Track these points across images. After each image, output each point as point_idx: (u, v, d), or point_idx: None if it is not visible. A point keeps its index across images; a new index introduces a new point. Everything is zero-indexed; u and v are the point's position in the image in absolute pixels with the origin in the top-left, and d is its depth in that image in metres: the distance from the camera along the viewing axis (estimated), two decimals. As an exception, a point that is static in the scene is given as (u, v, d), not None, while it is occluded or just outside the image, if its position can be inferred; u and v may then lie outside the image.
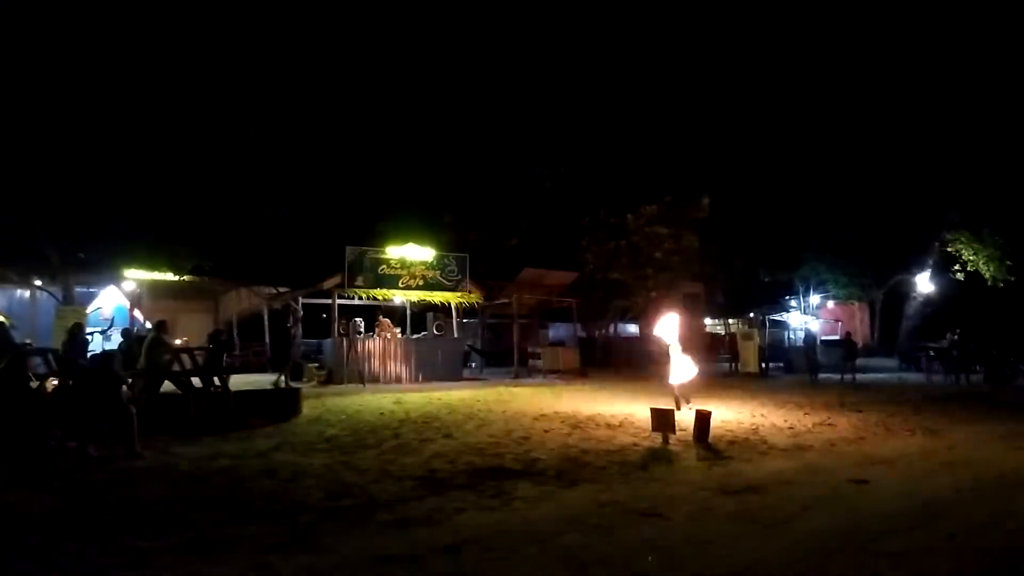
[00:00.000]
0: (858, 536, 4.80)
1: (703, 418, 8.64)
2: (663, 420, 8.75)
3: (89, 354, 11.92)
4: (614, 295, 26.06)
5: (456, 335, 19.98)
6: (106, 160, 13.03)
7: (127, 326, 16.71)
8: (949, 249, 31.01)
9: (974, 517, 5.38)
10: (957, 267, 30.87)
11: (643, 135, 24.82)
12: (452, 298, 19.27)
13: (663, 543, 4.65)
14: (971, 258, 30.28)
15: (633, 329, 30.81)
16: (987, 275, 30.10)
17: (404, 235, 18.90)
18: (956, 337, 19.87)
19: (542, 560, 4.32)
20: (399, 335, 18.40)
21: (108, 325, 16.52)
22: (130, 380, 11.05)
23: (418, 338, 19.31)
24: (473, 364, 22.86)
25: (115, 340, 14.88)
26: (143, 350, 11.75)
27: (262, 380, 15.75)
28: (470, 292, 19.46)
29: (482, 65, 27.88)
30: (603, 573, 4.09)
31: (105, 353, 9.92)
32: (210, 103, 14.22)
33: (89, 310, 17.65)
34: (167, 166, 13.77)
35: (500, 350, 24.57)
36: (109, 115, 12.93)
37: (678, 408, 11.32)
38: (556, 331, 27.30)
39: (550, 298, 22.32)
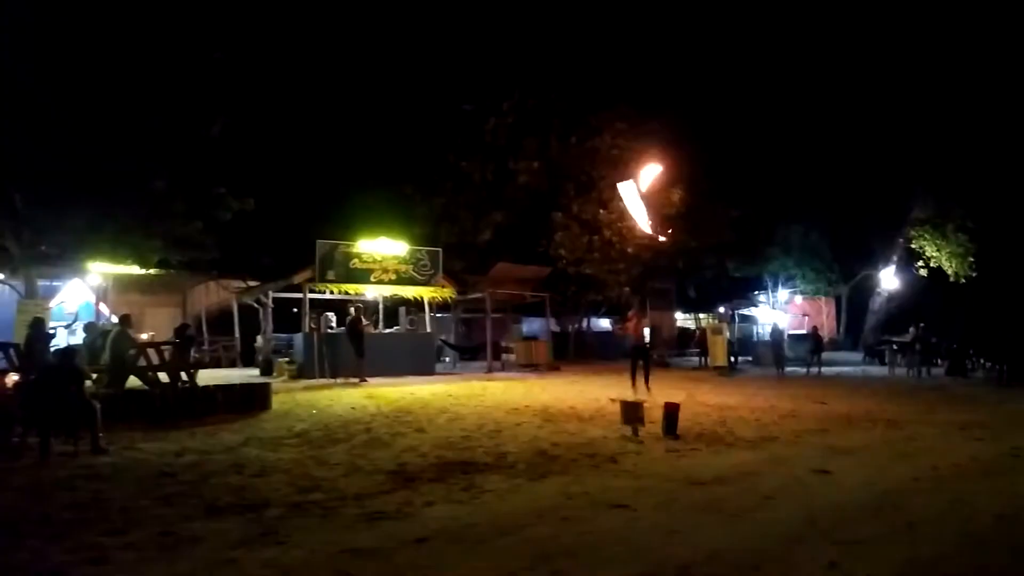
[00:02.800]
0: (819, 525, 4.90)
1: (672, 411, 8.74)
2: (632, 413, 8.82)
3: (52, 349, 11.68)
4: (587, 289, 26.24)
5: (429, 329, 19.94)
6: (68, 150, 12.71)
7: (92, 320, 16.40)
8: (913, 245, 31.72)
9: (932, 506, 5.50)
10: (920, 263, 31.60)
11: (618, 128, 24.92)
12: (425, 293, 19.21)
13: (629, 533, 4.71)
14: (934, 255, 31.02)
15: (605, 323, 31.04)
16: (949, 271, 30.85)
17: (376, 229, 18.79)
18: (919, 331, 20.33)
19: (510, 552, 4.35)
20: (371, 329, 18.31)
21: (72, 319, 16.20)
22: (94, 375, 10.90)
23: (390, 332, 19.23)
24: (446, 358, 22.84)
25: (80, 335, 14.60)
26: (108, 344, 11.59)
27: (231, 375, 15.59)
28: (443, 286, 19.42)
29: (456, 55, 27.79)
30: (569, 564, 4.13)
31: (68, 348, 9.74)
32: (174, 95, 13.97)
33: (52, 304, 17.27)
34: (131, 157, 13.49)
35: (473, 344, 24.59)
36: (70, 103, 12.64)
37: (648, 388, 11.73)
38: (529, 325, 27.38)
39: (523, 292, 22.36)
